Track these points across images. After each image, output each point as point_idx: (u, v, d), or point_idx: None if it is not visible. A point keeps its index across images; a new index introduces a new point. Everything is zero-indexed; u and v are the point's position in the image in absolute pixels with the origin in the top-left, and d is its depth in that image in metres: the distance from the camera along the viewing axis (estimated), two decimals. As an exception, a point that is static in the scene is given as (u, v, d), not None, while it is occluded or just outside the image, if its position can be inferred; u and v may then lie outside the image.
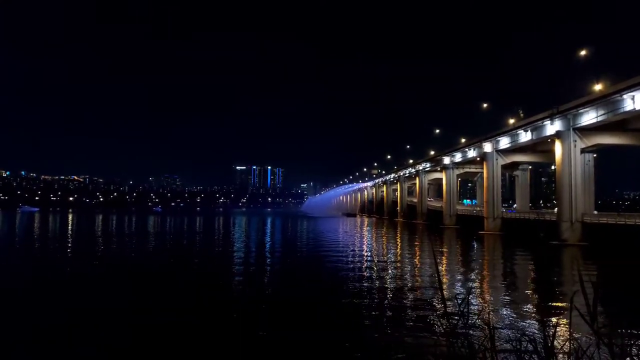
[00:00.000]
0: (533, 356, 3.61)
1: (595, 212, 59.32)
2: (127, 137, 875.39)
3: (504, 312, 20.08)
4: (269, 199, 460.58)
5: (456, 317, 4.36)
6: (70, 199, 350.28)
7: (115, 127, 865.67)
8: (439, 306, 20.20)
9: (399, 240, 65.12)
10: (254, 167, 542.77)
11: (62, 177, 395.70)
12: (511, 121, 71.83)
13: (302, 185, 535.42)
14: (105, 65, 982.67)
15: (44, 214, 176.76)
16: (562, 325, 16.64)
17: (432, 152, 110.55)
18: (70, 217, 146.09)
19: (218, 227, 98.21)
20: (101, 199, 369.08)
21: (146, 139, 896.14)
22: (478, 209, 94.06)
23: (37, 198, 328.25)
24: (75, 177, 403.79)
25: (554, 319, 18.56)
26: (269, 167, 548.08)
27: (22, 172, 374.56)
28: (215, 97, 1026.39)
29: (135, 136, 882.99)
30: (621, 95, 47.10)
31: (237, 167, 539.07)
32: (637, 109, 45.76)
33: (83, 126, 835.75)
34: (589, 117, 52.91)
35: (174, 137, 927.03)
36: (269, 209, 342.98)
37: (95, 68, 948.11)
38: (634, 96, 45.69)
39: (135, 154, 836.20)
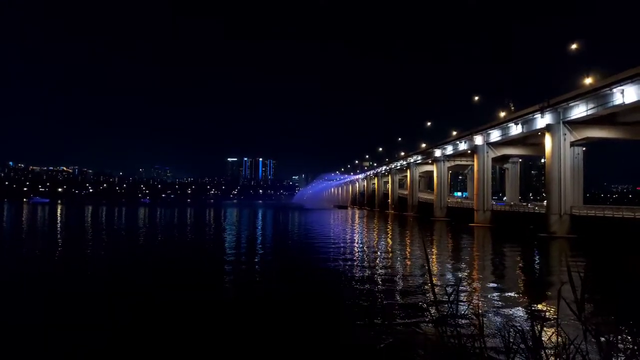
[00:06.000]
0: (521, 345, 3.63)
1: (584, 205, 59.99)
2: (118, 128, 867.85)
3: (493, 303, 20.27)
4: (260, 190, 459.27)
5: (445, 307, 4.37)
6: (59, 190, 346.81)
7: (105, 118, 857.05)
8: (428, 295, 20.34)
9: (389, 231, 65.40)
10: (246, 158, 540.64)
11: (51, 167, 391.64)
12: (502, 114, 72.21)
13: (293, 177, 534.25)
14: (98, 55, 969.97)
15: (24, 205, 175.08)
16: (550, 315, 16.83)
17: (424, 145, 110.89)
18: (59, 208, 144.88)
19: (208, 219, 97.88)
20: (91, 190, 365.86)
21: (137, 130, 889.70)
22: (468, 201, 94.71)
23: (25, 189, 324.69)
24: (65, 168, 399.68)
25: (541, 309, 18.78)
26: (261, 159, 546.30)
27: (10, 163, 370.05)
28: (207, 88, 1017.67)
29: (126, 127, 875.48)
30: (611, 89, 47.44)
31: (229, 159, 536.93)
32: (626, 102, 46.15)
33: (73, 117, 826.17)
34: (579, 110, 53.30)
35: (165, 128, 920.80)
36: (260, 201, 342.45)
37: (86, 58, 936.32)
38: (623, 90, 46.04)
39: (126, 145, 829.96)
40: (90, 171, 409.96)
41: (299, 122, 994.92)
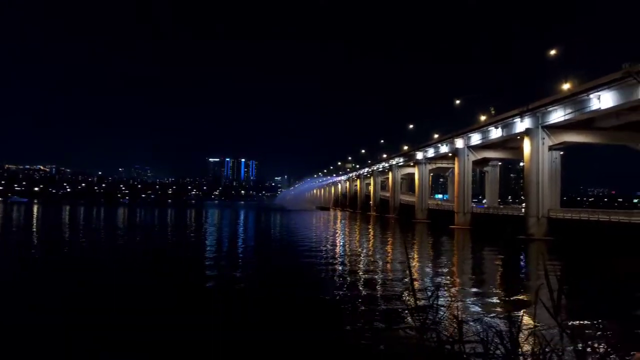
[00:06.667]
0: (499, 347, 3.68)
1: (561, 208, 61.16)
2: (97, 127, 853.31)
3: (472, 306, 20.51)
4: (242, 191, 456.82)
5: (426, 310, 4.42)
6: (36, 189, 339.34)
7: (84, 117, 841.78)
8: (410, 299, 20.46)
9: (371, 234, 65.67)
10: (228, 159, 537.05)
11: (28, 166, 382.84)
12: (482, 118, 73.15)
13: (276, 178, 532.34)
14: (76, 52, 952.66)
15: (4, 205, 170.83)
16: (527, 318, 17.10)
17: (406, 147, 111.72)
18: (36, 208, 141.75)
19: (189, 221, 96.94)
20: (68, 190, 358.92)
21: (117, 129, 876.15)
22: (449, 204, 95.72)
23: (0, 188, 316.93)
24: (42, 167, 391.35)
25: (519, 311, 19.05)
26: (243, 160, 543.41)
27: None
28: (189, 88, 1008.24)
29: (106, 126, 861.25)
30: (588, 95, 48.52)
31: (210, 159, 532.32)
32: (602, 108, 47.23)
33: (50, 114, 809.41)
34: (557, 115, 54.37)
35: (146, 128, 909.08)
36: (242, 202, 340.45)
37: (64, 53, 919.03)
38: (600, 96, 47.12)
39: (105, 145, 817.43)
40: (69, 170, 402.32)
41: (282, 124, 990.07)
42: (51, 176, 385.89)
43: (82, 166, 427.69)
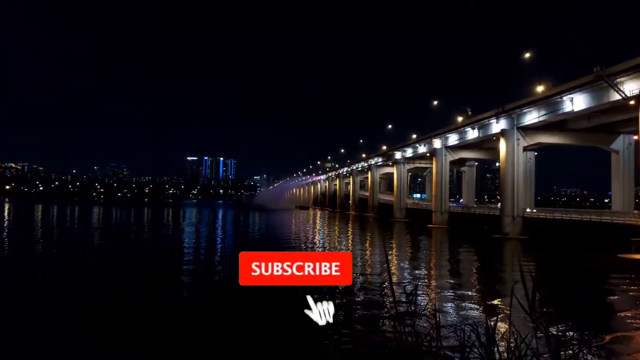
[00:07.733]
0: (475, 344, 3.74)
1: (535, 209, 62.47)
2: (70, 124, 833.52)
3: (449, 303, 20.77)
4: (221, 190, 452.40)
5: (404, 307, 4.46)
6: (7, 187, 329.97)
7: (57, 113, 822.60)
8: (388, 302, 20.58)
9: (350, 232, 65.92)
10: (206, 157, 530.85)
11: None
12: (460, 119, 74.17)
13: (255, 177, 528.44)
14: (49, 48, 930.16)
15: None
16: (503, 314, 17.39)
17: (385, 147, 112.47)
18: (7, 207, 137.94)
19: (167, 220, 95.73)
20: (41, 188, 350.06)
21: (92, 127, 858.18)
22: (427, 203, 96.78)
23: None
24: (13, 165, 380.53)
25: (495, 308, 19.37)
26: (221, 158, 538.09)
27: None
28: (167, 85, 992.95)
29: (80, 123, 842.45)
30: (561, 97, 49.70)
31: (189, 158, 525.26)
32: (575, 110, 48.44)
33: (22, 111, 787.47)
34: (532, 116, 55.51)
35: (122, 125, 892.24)
36: (220, 201, 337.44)
37: (37, 49, 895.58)
38: (572, 98, 48.30)
39: (79, 142, 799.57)
40: (41, 168, 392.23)
41: (261, 122, 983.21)
42: (23, 174, 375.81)
43: (55, 164, 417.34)
